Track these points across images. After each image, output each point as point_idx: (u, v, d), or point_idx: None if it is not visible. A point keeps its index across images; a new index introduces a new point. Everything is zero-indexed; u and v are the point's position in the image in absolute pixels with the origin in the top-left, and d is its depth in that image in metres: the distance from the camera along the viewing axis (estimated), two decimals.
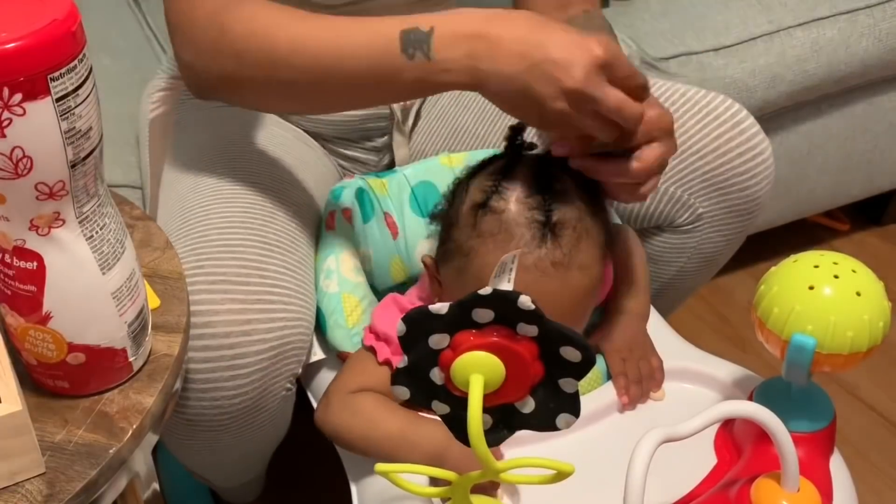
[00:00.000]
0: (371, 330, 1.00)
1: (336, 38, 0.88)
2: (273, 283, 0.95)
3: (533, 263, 0.89)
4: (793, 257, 0.89)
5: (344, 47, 0.87)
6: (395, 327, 0.94)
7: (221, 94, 0.99)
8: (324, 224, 1.09)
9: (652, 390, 1.02)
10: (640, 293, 1.06)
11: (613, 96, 0.83)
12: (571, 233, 0.90)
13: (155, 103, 1.21)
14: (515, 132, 0.97)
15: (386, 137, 1.22)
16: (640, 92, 0.86)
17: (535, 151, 0.97)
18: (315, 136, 1.20)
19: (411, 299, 1.03)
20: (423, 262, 1.01)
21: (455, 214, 0.96)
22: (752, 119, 1.13)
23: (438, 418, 0.74)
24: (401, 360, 0.73)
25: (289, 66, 0.89)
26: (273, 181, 1.07)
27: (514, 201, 0.91)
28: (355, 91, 0.91)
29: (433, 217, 1.02)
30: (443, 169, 1.10)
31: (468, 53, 0.84)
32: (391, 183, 1.10)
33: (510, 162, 0.96)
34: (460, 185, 0.98)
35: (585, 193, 0.93)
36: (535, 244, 0.89)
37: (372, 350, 0.99)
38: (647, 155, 0.88)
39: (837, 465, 0.90)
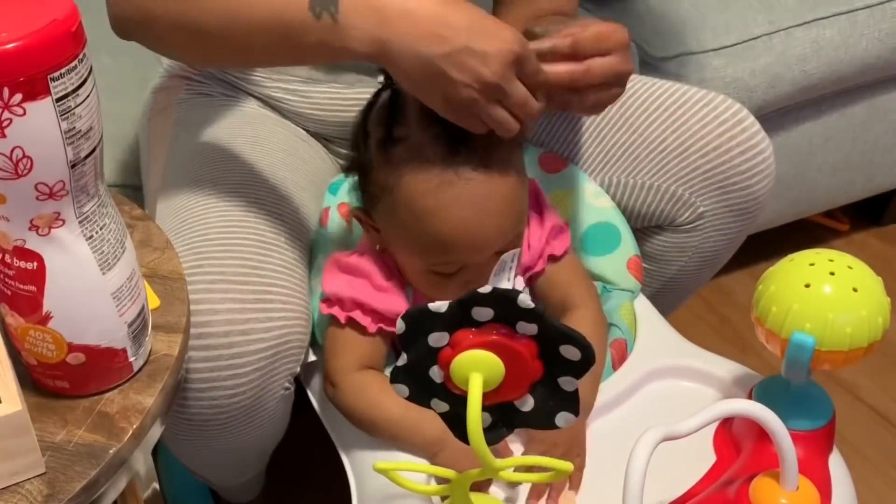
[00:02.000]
0: (323, 300, 1.00)
1: None
2: (272, 282, 0.95)
3: (455, 175, 0.89)
4: (789, 256, 0.89)
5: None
6: (338, 287, 0.96)
7: (138, 34, 0.96)
8: (318, 221, 1.09)
9: (563, 498, 0.93)
10: (590, 380, 0.96)
11: (520, 92, 0.84)
12: (479, 135, 0.89)
13: (156, 102, 1.21)
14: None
15: None
16: (538, 88, 0.87)
17: None
18: (315, 136, 1.20)
19: (349, 254, 1.01)
20: (355, 217, 1.00)
21: (366, 158, 0.95)
22: (752, 118, 1.13)
23: None
24: (400, 358, 0.73)
25: (199, 7, 0.88)
26: (272, 180, 1.07)
27: (413, 123, 0.91)
28: (260, 43, 0.88)
29: (347, 170, 1.01)
30: None
31: (378, 23, 0.82)
32: None
33: (394, 91, 0.95)
34: (358, 129, 0.97)
35: None
36: (449, 157, 0.89)
37: (333, 318, 0.99)
38: (595, 63, 0.88)
39: (836, 464, 0.91)
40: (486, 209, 0.89)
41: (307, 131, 1.20)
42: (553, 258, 1.05)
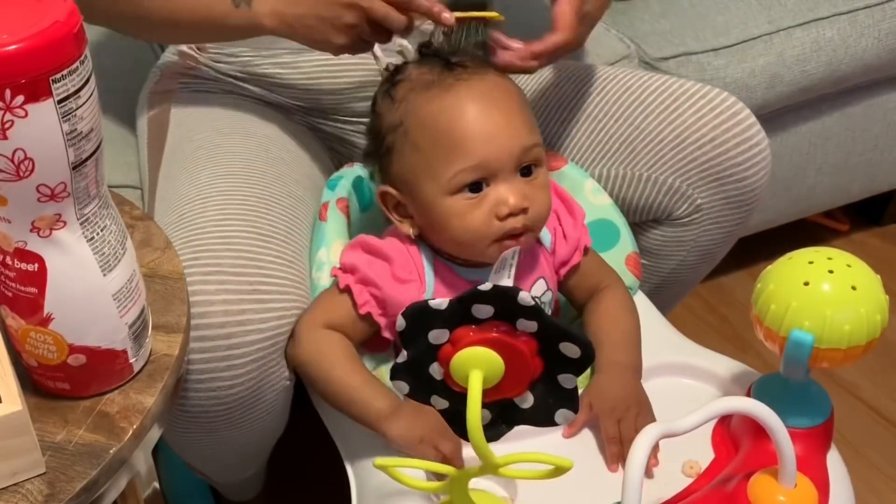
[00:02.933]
0: (337, 268, 1.00)
1: None
2: (268, 273, 0.95)
3: (454, 80, 0.95)
4: (788, 254, 0.89)
5: None
6: (356, 260, 0.97)
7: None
8: (317, 216, 1.10)
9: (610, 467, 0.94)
10: (631, 347, 1.02)
11: (379, 6, 0.96)
12: (470, 59, 0.97)
13: (153, 101, 1.22)
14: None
15: None
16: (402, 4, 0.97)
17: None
18: (312, 111, 1.21)
19: (378, 238, 1.01)
20: (382, 197, 1.00)
21: (376, 119, 1.00)
22: (748, 111, 1.13)
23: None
24: (400, 355, 0.73)
25: (142, 6, 1.06)
26: (270, 174, 1.07)
27: (412, 69, 0.99)
28: (192, 29, 1.08)
29: (365, 155, 1.05)
30: None
31: (275, 2, 1.01)
32: None
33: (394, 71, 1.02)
34: (372, 112, 1.02)
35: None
36: (446, 72, 0.96)
37: (333, 283, 0.99)
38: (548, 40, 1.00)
39: (834, 461, 0.91)
40: (490, 99, 0.94)
41: (305, 112, 1.20)
42: (585, 250, 1.06)
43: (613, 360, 1.00)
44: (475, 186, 0.93)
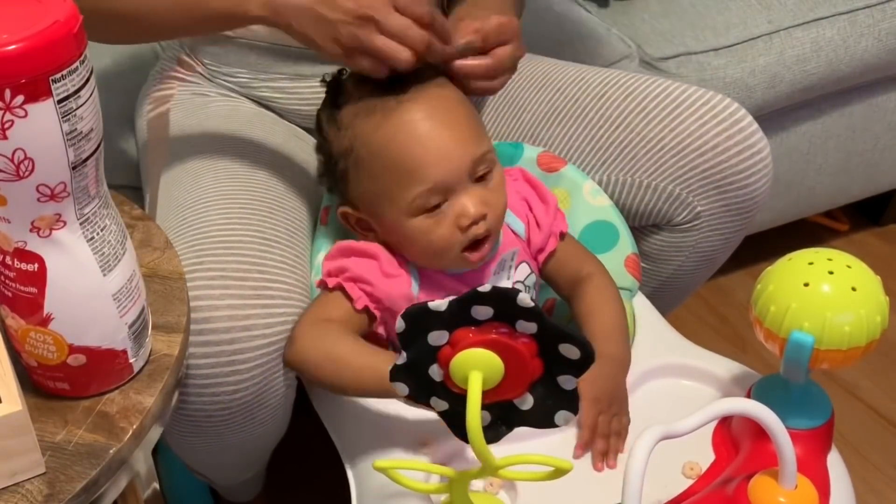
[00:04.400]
0: (322, 277, 1.00)
1: None
2: (272, 278, 0.95)
3: (396, 103, 0.94)
4: (787, 255, 0.89)
5: None
6: (342, 263, 0.97)
7: None
8: (318, 219, 1.10)
9: (619, 450, 0.96)
10: (618, 337, 1.02)
11: (398, 21, 0.90)
12: (411, 76, 0.94)
13: (152, 103, 1.22)
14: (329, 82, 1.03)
15: None
16: (421, 18, 0.92)
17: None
18: (310, 132, 1.21)
19: (358, 242, 1.01)
20: (344, 216, 1.01)
21: (325, 144, 1.00)
22: (750, 118, 1.13)
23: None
24: (400, 357, 0.73)
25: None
26: (271, 177, 1.07)
27: (350, 89, 0.98)
28: (172, 20, 0.99)
29: (319, 177, 1.04)
30: None
31: None
32: None
33: (331, 79, 1.02)
34: (316, 133, 1.02)
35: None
36: (385, 92, 0.94)
37: (324, 285, 0.99)
38: (501, 53, 0.99)
39: (835, 463, 0.91)
40: (434, 116, 0.94)
41: (303, 128, 1.20)
42: (561, 235, 1.07)
43: (603, 351, 0.99)
44: (435, 205, 0.94)
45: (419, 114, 0.93)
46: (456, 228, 0.94)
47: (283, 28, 0.94)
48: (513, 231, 1.05)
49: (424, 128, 0.93)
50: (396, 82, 0.94)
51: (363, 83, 0.96)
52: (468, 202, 0.94)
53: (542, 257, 1.06)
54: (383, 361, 0.90)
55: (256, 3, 0.93)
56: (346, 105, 0.97)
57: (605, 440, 0.96)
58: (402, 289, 0.98)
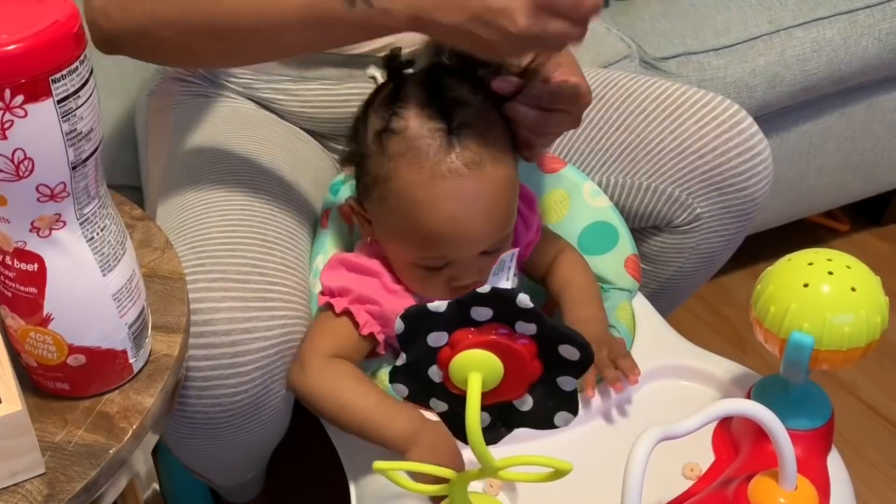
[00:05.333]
0: (322, 292, 1.00)
1: None
2: (273, 280, 0.95)
3: (448, 170, 0.90)
4: (787, 256, 0.89)
5: None
6: (345, 282, 0.96)
7: (137, 46, 0.95)
8: (318, 222, 1.10)
9: (631, 369, 0.98)
10: (590, 300, 1.05)
11: (556, 28, 0.83)
12: (475, 131, 0.91)
13: (153, 103, 1.22)
14: (391, 58, 0.97)
15: None
16: (584, 15, 0.86)
17: (413, 69, 0.97)
18: (311, 133, 1.21)
19: (357, 255, 1.02)
20: (348, 206, 1.01)
21: (363, 147, 0.96)
22: (750, 119, 1.13)
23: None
24: (399, 358, 0.73)
25: (220, 8, 0.88)
26: (271, 179, 1.07)
27: (412, 117, 0.92)
28: (292, 38, 0.89)
29: (344, 161, 1.02)
30: None
31: (409, 3, 0.84)
32: None
33: (397, 84, 0.96)
34: (359, 121, 0.98)
35: (477, 90, 0.94)
36: (443, 152, 0.90)
37: (330, 307, 0.98)
38: (560, 119, 0.94)
39: (835, 463, 0.90)
40: (473, 207, 0.91)
41: (304, 129, 1.20)
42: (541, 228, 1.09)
43: (576, 317, 1.04)
44: (436, 266, 0.95)
45: (460, 194, 0.91)
46: (447, 285, 0.96)
47: (430, 35, 0.88)
48: None
49: (461, 210, 0.91)
50: (458, 141, 0.90)
51: (427, 120, 0.91)
52: (465, 273, 0.95)
53: (527, 251, 1.08)
54: (390, 421, 0.92)
55: (398, 20, 0.85)
56: (400, 134, 0.92)
57: (612, 368, 0.98)
58: (406, 302, 0.98)
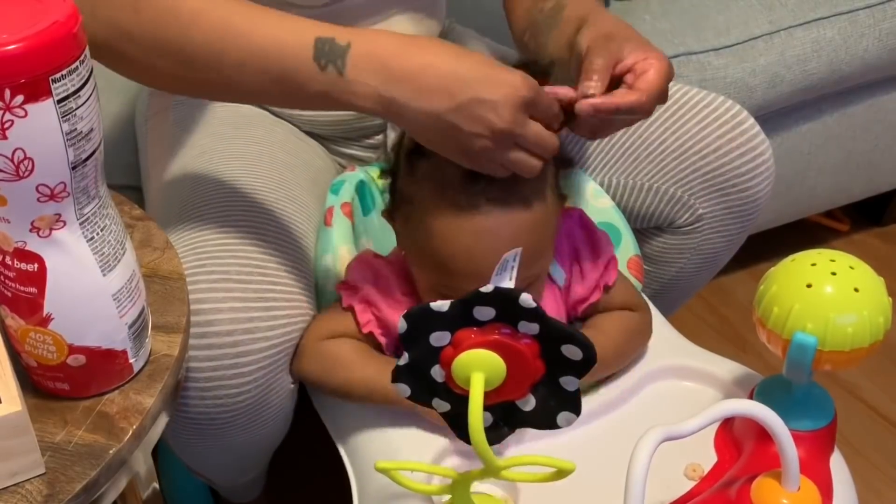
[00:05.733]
0: (343, 281, 1.00)
1: (246, 23, 0.82)
2: (275, 281, 0.95)
3: (468, 203, 0.87)
4: (790, 257, 0.89)
5: (253, 34, 0.81)
6: (360, 279, 0.96)
7: (108, 57, 0.87)
8: (322, 220, 1.10)
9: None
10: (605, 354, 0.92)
11: (533, 132, 0.83)
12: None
13: (153, 103, 1.21)
14: None
15: (382, 135, 1.22)
16: (554, 122, 0.86)
17: None
18: (311, 135, 1.21)
19: (385, 259, 1.01)
20: (382, 216, 1.00)
21: (396, 165, 0.95)
22: (752, 120, 1.13)
23: None
24: (401, 358, 0.73)
25: (184, 32, 0.83)
26: (272, 179, 1.07)
27: None
28: (251, 81, 0.84)
29: (384, 172, 1.00)
30: None
31: (385, 81, 0.80)
32: None
33: None
34: (402, 137, 0.96)
35: None
36: (468, 183, 0.87)
37: (340, 298, 0.99)
38: (617, 123, 0.92)
39: (837, 464, 0.90)
40: (490, 244, 0.87)
41: (303, 131, 1.20)
42: (607, 287, 1.02)
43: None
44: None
45: (478, 230, 0.88)
46: None
47: (394, 123, 0.86)
48: (549, 277, 1.01)
49: (478, 246, 0.88)
50: (484, 175, 0.87)
51: None
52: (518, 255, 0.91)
53: (582, 308, 1.03)
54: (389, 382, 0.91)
55: (366, 97, 0.81)
56: (429, 158, 0.89)
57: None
58: None
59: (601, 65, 0.88)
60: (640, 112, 0.89)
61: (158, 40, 0.84)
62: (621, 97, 0.87)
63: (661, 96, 0.89)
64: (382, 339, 0.99)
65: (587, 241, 1.03)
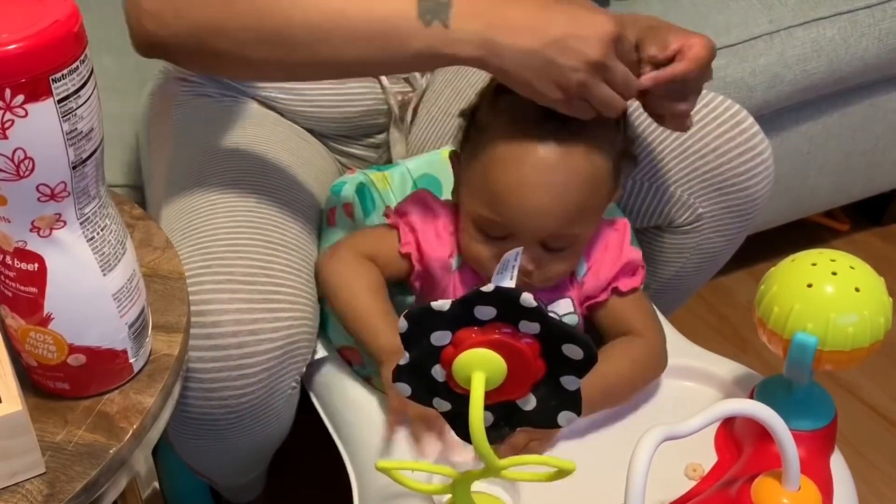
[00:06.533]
0: (393, 208, 1.02)
1: None
2: (279, 282, 0.95)
3: (537, 136, 0.90)
4: (791, 256, 0.89)
5: (355, 6, 0.86)
6: (411, 208, 0.99)
7: (189, 50, 0.91)
8: (325, 220, 1.10)
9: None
10: (606, 383, 0.96)
11: (621, 68, 0.87)
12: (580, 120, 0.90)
13: (155, 103, 1.21)
14: None
15: (384, 134, 1.22)
16: (635, 67, 0.91)
17: None
18: (313, 133, 1.21)
19: (439, 199, 1.02)
20: (448, 157, 1.02)
21: (480, 100, 0.97)
22: (751, 119, 1.13)
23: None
24: (402, 357, 0.73)
25: (285, 17, 0.86)
26: (275, 180, 1.07)
27: None
28: (355, 53, 0.88)
29: (462, 113, 1.01)
30: (445, 162, 1.11)
31: (485, 27, 0.85)
32: (393, 176, 1.11)
33: None
34: (486, 87, 0.98)
35: None
36: (542, 120, 0.90)
37: (387, 217, 1.01)
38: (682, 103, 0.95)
39: (838, 464, 0.91)
40: (544, 180, 0.90)
41: (304, 129, 1.20)
42: (618, 292, 1.02)
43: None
44: (494, 235, 0.94)
45: (542, 162, 0.90)
46: (496, 259, 0.89)
47: (491, 70, 0.88)
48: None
49: (532, 179, 0.90)
50: (558, 116, 0.89)
51: None
52: (520, 255, 0.90)
53: (588, 304, 1.03)
54: (383, 331, 0.94)
55: (470, 43, 0.85)
56: (512, 94, 0.90)
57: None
58: (443, 253, 0.99)
59: (654, 51, 0.92)
60: (692, 80, 0.93)
61: (257, 30, 0.87)
62: (672, 68, 0.91)
63: (708, 68, 0.94)
64: (417, 265, 0.99)
65: (619, 245, 1.03)
